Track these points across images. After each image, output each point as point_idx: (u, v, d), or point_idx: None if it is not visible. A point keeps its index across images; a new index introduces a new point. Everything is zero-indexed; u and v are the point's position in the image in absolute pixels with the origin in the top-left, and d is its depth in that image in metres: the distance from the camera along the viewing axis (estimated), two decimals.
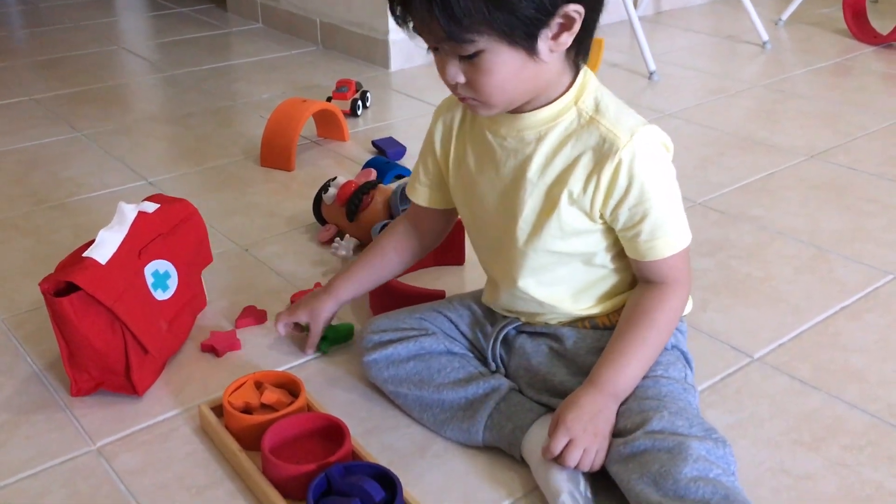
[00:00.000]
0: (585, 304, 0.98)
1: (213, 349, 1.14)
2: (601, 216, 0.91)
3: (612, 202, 0.89)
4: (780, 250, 1.40)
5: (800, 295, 1.27)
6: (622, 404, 0.90)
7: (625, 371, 0.90)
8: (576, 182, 0.89)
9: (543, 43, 0.83)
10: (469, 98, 0.87)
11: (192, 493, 0.91)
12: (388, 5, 0.85)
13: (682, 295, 0.94)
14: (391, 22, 2.33)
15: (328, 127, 1.88)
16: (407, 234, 1.11)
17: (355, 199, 1.38)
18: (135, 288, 1.04)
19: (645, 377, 0.93)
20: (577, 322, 0.99)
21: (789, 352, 1.14)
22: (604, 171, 0.87)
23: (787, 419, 1.02)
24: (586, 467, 0.86)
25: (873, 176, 1.67)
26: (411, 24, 0.84)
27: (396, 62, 2.37)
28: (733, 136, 1.89)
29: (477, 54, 0.82)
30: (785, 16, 2.78)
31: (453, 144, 0.99)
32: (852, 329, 1.19)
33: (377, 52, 2.39)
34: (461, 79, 0.84)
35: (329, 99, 2.01)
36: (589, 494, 0.86)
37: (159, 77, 2.36)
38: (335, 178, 1.45)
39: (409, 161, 1.74)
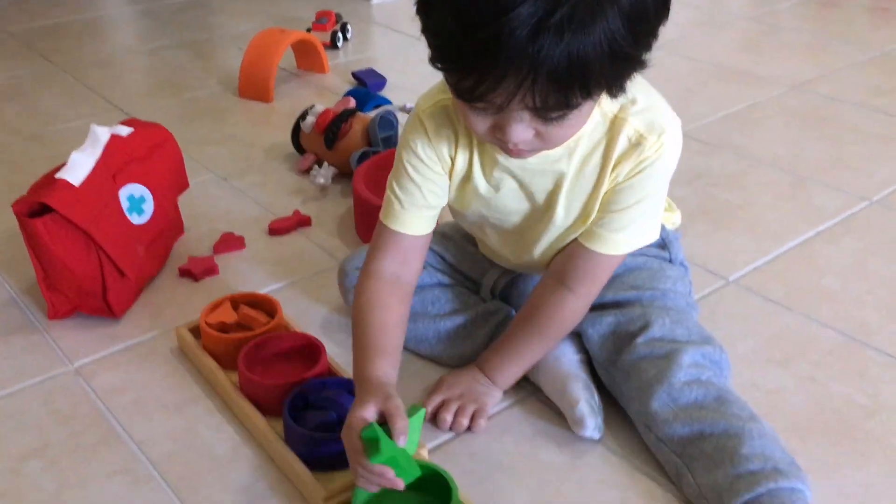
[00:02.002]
0: None
1: (190, 274, 1.14)
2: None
3: (615, 185, 0.82)
4: (760, 178, 1.41)
5: (777, 220, 1.28)
6: (628, 310, 0.91)
7: (509, 368, 0.91)
8: (605, 184, 0.82)
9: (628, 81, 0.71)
10: (524, 150, 0.75)
11: (169, 410, 0.92)
12: (450, 61, 0.66)
13: (583, 304, 0.88)
14: None
15: (308, 58, 1.85)
16: (397, 286, 0.87)
17: (333, 126, 1.37)
18: (109, 211, 1.04)
19: (653, 289, 0.92)
20: None
21: (764, 274, 1.15)
22: (624, 167, 0.80)
23: (759, 338, 1.03)
24: (459, 429, 0.89)
25: (855, 106, 1.67)
26: (473, 84, 0.65)
27: None
28: (717, 68, 1.87)
29: (566, 113, 0.69)
30: None
31: (458, 166, 0.85)
32: (828, 252, 1.20)
33: None
34: (530, 136, 0.71)
35: (308, 30, 1.97)
36: (600, 403, 0.89)
37: (135, 9, 2.31)
38: (313, 106, 1.44)
39: (389, 92, 1.72)
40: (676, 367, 0.83)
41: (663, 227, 1.00)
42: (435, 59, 0.67)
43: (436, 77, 0.74)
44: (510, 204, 0.86)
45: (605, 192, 0.83)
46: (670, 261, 1.00)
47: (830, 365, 0.98)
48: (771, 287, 1.12)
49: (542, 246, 0.90)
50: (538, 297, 0.90)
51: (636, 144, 0.79)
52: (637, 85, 0.77)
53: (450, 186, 0.87)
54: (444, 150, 0.84)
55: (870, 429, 0.89)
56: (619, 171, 0.81)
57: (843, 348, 1.01)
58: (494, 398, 0.92)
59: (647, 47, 0.67)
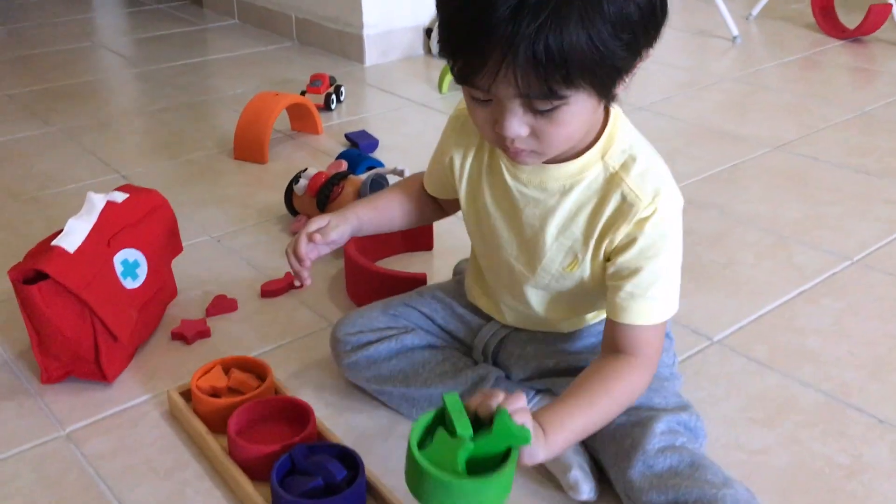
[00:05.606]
0: (591, 313, 0.98)
1: (182, 337, 1.15)
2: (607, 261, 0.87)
3: (614, 249, 0.85)
4: (742, 237, 1.44)
5: (760, 280, 1.31)
6: None
7: (564, 429, 0.79)
8: (599, 240, 0.85)
9: (620, 87, 0.76)
10: (523, 149, 0.78)
11: (160, 475, 0.93)
12: (445, 41, 0.74)
13: (645, 374, 0.85)
14: (366, 17, 2.37)
15: (302, 120, 1.90)
16: (421, 193, 1.03)
17: (326, 189, 1.40)
18: (104, 276, 1.06)
19: None
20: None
21: (747, 334, 1.17)
22: (620, 229, 0.83)
23: (742, 398, 1.04)
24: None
25: (835, 166, 1.71)
26: (463, 65, 0.73)
27: (371, 57, 2.39)
28: (701, 128, 1.92)
29: (556, 107, 0.73)
30: (755, 11, 2.82)
31: (467, 174, 0.93)
32: (809, 312, 1.22)
33: (352, 47, 2.41)
34: (524, 132, 0.76)
35: (303, 93, 2.02)
36: (592, 464, 0.89)
37: (134, 73, 2.36)
38: (306, 169, 1.47)
39: (381, 154, 1.76)
40: (651, 435, 0.84)
41: None
42: (439, 48, 0.75)
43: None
44: (505, 231, 0.91)
45: (612, 259, 0.84)
46: None
47: (812, 425, 1.00)
48: (754, 347, 1.14)
49: (539, 290, 0.92)
50: (597, 365, 0.85)
51: (630, 204, 0.82)
52: (641, 146, 0.85)
53: (462, 196, 0.94)
54: (461, 160, 0.92)
55: (851, 489, 0.90)
56: (616, 234, 0.83)
57: (824, 408, 1.03)
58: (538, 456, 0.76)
59: (634, 46, 0.72)
